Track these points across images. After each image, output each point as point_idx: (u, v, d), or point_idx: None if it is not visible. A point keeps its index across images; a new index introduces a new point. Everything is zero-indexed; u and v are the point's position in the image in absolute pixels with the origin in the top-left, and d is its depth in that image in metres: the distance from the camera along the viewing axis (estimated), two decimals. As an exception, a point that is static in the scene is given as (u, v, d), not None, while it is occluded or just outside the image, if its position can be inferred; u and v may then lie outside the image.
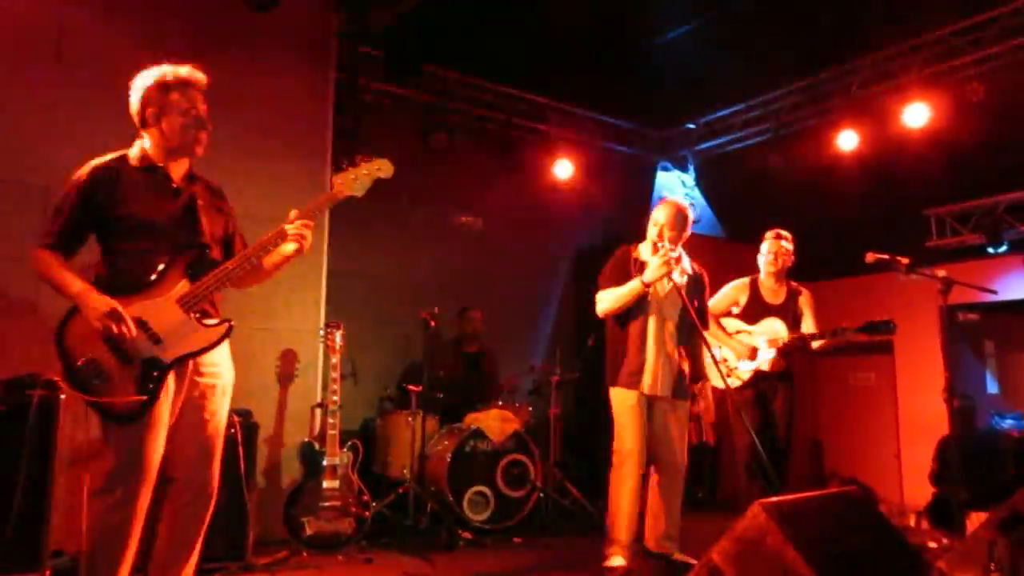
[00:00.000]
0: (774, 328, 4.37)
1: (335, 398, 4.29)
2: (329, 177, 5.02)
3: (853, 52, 6.27)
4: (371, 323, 5.76)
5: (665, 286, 3.83)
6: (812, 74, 6.58)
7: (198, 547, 2.77)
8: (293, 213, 2.73)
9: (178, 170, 2.74)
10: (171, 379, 2.58)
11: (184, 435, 2.68)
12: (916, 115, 5.84)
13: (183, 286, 2.60)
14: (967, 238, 6.26)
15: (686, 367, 3.96)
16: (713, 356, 3.78)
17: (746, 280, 4.57)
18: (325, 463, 4.21)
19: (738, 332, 4.46)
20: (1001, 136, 5.64)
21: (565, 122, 7.08)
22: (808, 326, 4.40)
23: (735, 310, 4.56)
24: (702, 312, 4.00)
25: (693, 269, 4.02)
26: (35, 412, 3.19)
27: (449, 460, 4.79)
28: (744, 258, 4.71)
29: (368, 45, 5.77)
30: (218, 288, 2.66)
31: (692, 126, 7.66)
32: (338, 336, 4.45)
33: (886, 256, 4.13)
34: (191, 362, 2.64)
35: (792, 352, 4.35)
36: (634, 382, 3.81)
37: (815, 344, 4.26)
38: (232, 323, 2.70)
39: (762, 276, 4.54)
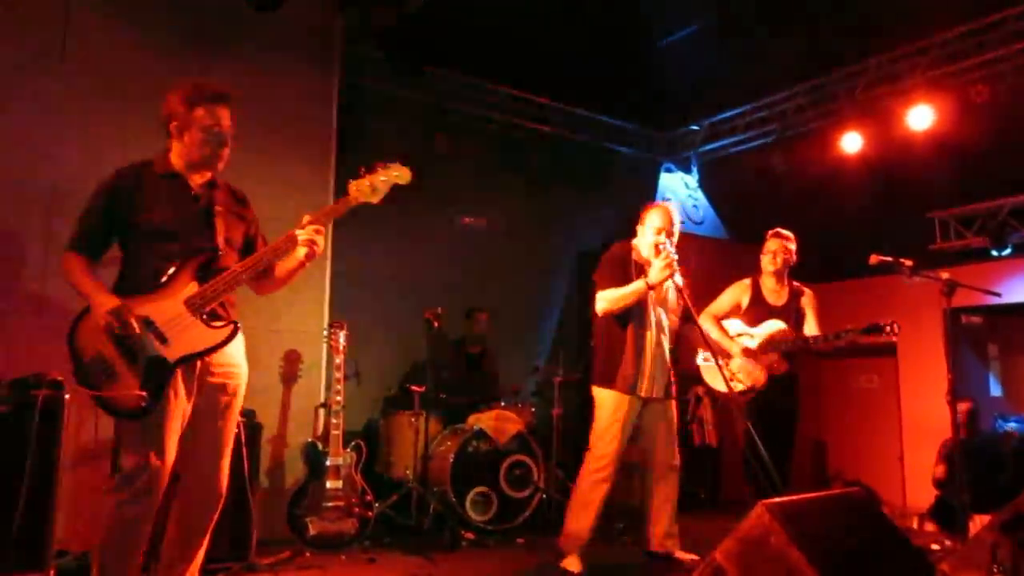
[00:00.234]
0: (778, 328, 4.35)
1: (339, 398, 4.30)
2: (332, 177, 5.04)
3: (858, 54, 6.26)
4: (374, 323, 5.76)
5: (662, 287, 3.83)
6: (816, 76, 6.57)
7: (204, 546, 2.80)
8: (306, 218, 2.75)
9: (200, 179, 2.79)
10: (181, 379, 2.61)
11: (194, 435, 2.71)
12: (921, 118, 5.83)
13: (192, 288, 2.64)
14: (971, 241, 6.25)
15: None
16: (716, 359, 3.78)
17: (747, 281, 4.56)
18: (328, 463, 4.22)
19: (740, 335, 4.45)
20: (1006, 139, 5.63)
21: (568, 123, 7.08)
22: (811, 327, 4.39)
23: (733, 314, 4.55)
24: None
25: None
26: (40, 412, 3.20)
27: (452, 461, 4.80)
28: (748, 260, 4.70)
29: (371, 46, 5.79)
30: (227, 291, 2.69)
31: (696, 128, 7.66)
32: (342, 336, 4.45)
33: (890, 258, 4.12)
34: (201, 363, 2.67)
35: (795, 354, 4.34)
36: (629, 386, 3.82)
37: (816, 344, 4.24)
38: (238, 324, 2.73)
39: (763, 276, 4.53)
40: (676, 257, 3.70)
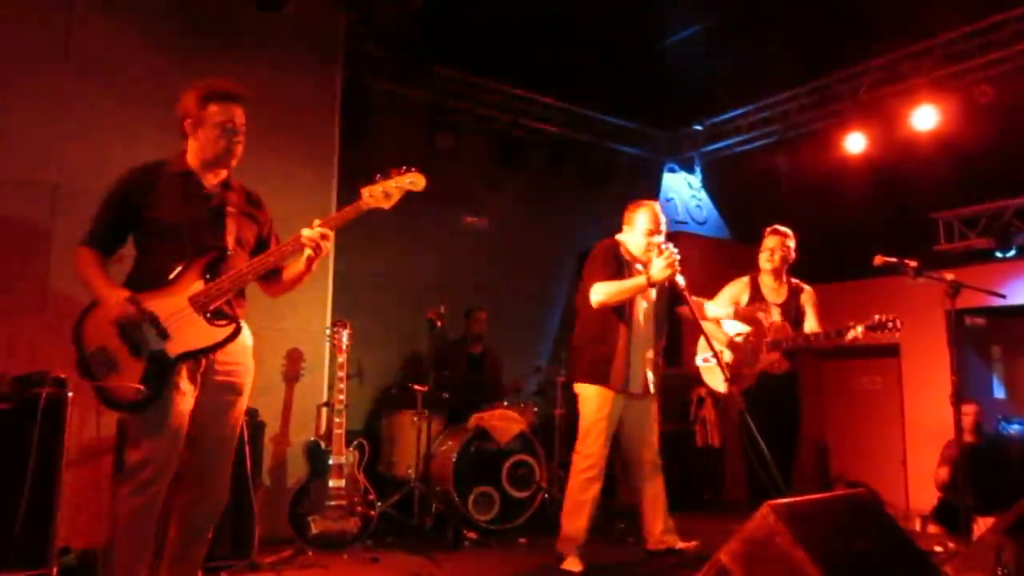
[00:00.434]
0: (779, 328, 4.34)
1: (341, 397, 4.30)
2: (335, 176, 5.04)
3: (862, 54, 6.25)
4: (376, 323, 5.76)
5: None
6: (820, 76, 6.57)
7: (207, 544, 2.81)
8: (316, 222, 2.77)
9: (213, 178, 2.82)
10: (185, 376, 2.62)
11: (199, 433, 2.73)
12: (925, 118, 5.83)
13: (198, 286, 2.66)
14: (975, 242, 6.24)
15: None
16: (718, 358, 3.77)
17: (746, 279, 4.53)
18: (331, 462, 4.21)
19: (738, 334, 4.44)
20: (1010, 140, 5.62)
21: (571, 123, 7.08)
22: (811, 325, 4.37)
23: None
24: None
25: None
26: (43, 409, 3.20)
27: (454, 460, 4.79)
28: (751, 260, 4.69)
29: (375, 45, 5.79)
30: (232, 289, 2.71)
31: (699, 127, 7.66)
32: (344, 335, 4.45)
33: (894, 259, 4.11)
34: (206, 361, 2.68)
35: (796, 353, 4.33)
36: (613, 382, 3.83)
37: (817, 341, 4.23)
38: (240, 324, 2.74)
39: (762, 274, 4.51)
40: (679, 257, 3.70)
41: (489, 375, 5.86)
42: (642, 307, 3.95)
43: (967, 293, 4.15)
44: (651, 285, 3.79)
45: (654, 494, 3.97)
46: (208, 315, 2.66)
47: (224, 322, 2.70)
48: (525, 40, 5.99)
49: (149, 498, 2.59)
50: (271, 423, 4.42)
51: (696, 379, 4.75)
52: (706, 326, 4.34)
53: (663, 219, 3.99)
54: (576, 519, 3.82)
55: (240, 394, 2.81)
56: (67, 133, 4.12)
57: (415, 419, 4.88)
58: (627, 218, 4.04)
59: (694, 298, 4.18)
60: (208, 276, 2.67)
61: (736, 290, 4.53)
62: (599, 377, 3.86)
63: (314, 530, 4.12)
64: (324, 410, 4.68)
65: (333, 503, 4.17)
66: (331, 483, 4.19)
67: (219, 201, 2.80)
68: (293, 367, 4.64)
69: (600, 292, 3.85)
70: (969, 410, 5.33)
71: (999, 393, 6.73)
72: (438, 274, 6.21)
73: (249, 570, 3.75)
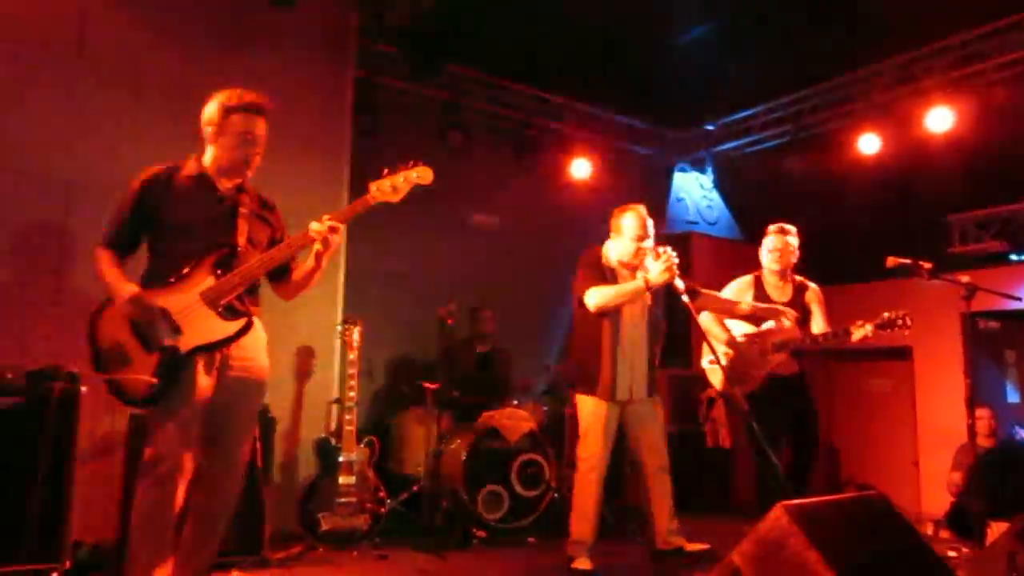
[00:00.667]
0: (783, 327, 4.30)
1: (352, 394, 4.31)
2: (347, 173, 5.05)
3: (875, 55, 6.21)
4: (386, 320, 5.76)
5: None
6: (833, 77, 6.53)
7: (220, 539, 2.83)
8: (325, 217, 2.79)
9: (228, 183, 2.86)
10: (200, 371, 2.64)
11: (214, 428, 2.75)
12: (939, 119, 5.78)
13: (208, 282, 2.70)
14: (989, 245, 6.18)
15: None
16: (719, 361, 3.75)
17: (749, 278, 4.49)
18: (341, 459, 4.23)
19: (744, 335, 4.40)
20: (1025, 141, 5.58)
21: (583, 122, 7.07)
22: (818, 324, 4.33)
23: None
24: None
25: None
26: (56, 404, 3.22)
27: (464, 458, 4.79)
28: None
29: (387, 43, 5.79)
30: (243, 284, 2.73)
31: (711, 127, 7.63)
32: (355, 333, 4.46)
33: (908, 261, 4.08)
34: (220, 356, 2.70)
35: (804, 354, 4.29)
36: (604, 390, 3.83)
37: (826, 341, 4.19)
38: (252, 319, 2.75)
39: (766, 273, 4.47)
40: (676, 261, 3.68)
41: (498, 374, 5.86)
42: (631, 313, 3.92)
43: (981, 296, 4.10)
44: (649, 288, 3.77)
45: (660, 495, 3.96)
46: (220, 310, 2.69)
47: (236, 317, 2.72)
48: (537, 38, 5.98)
49: (166, 494, 2.61)
50: (282, 419, 4.44)
51: (706, 380, 4.73)
52: (710, 327, 4.33)
53: (650, 223, 3.97)
54: (582, 521, 3.83)
55: (256, 389, 2.84)
56: (81, 129, 4.14)
57: (425, 417, 4.88)
58: (613, 224, 4.02)
59: (707, 291, 4.18)
60: (219, 272, 2.70)
61: (739, 289, 4.49)
62: (588, 386, 3.88)
63: (324, 527, 4.13)
64: (335, 407, 4.69)
65: (343, 500, 4.18)
66: (341, 480, 4.21)
67: (232, 202, 2.84)
68: (304, 364, 4.66)
69: (596, 297, 3.83)
70: (983, 414, 5.29)
71: (1013, 398, 6.67)
72: (449, 272, 6.21)
73: (259, 566, 3.76)
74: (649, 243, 3.85)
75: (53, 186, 4.06)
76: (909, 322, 3.85)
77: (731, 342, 4.40)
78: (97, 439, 3.82)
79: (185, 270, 2.68)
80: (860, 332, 3.97)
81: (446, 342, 5.12)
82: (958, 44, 5.79)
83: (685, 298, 3.65)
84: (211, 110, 2.79)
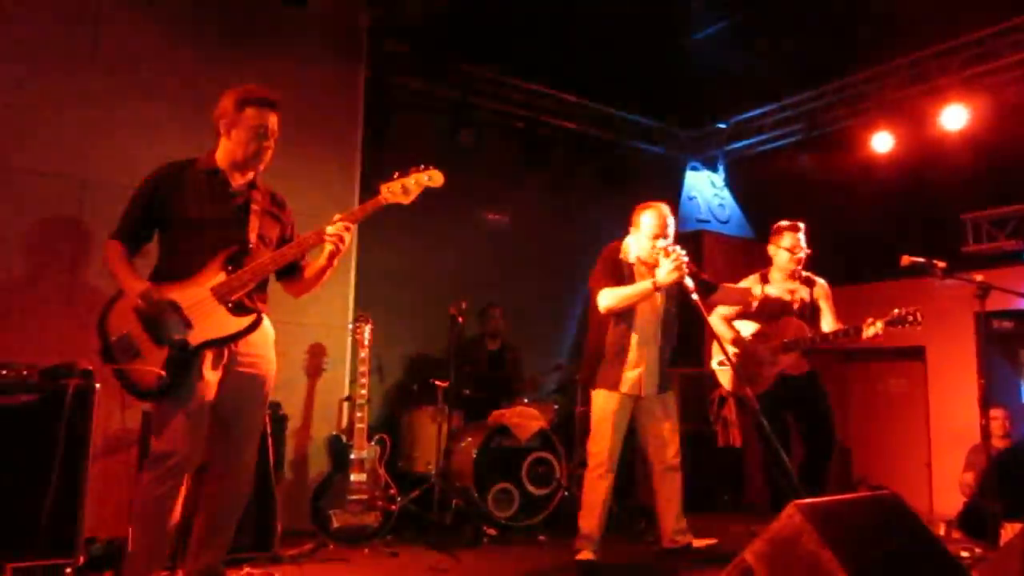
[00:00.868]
0: (795, 327, 4.27)
1: (363, 392, 4.32)
2: (358, 172, 5.07)
3: (889, 53, 6.17)
4: (397, 318, 5.78)
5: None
6: (846, 75, 6.49)
7: (231, 535, 2.84)
8: (336, 217, 2.81)
9: (240, 178, 2.88)
10: (209, 366, 2.66)
11: (222, 424, 2.77)
12: (953, 117, 5.74)
13: (220, 277, 2.72)
14: (1004, 244, 6.12)
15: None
16: (731, 361, 3.73)
17: (756, 277, 4.47)
18: (352, 456, 4.24)
19: (753, 335, 4.38)
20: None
21: (593, 120, 7.05)
22: (827, 322, 4.29)
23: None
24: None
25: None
26: (71, 401, 3.24)
27: (474, 456, 4.79)
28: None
29: (398, 42, 5.80)
30: (253, 281, 2.75)
31: (723, 126, 7.60)
32: (367, 330, 4.48)
33: (922, 260, 4.05)
34: (228, 352, 2.72)
35: (813, 352, 4.26)
36: (617, 385, 3.82)
37: (836, 339, 4.16)
38: (261, 315, 2.78)
39: (773, 271, 4.44)
40: (686, 260, 3.66)
41: (508, 372, 5.86)
42: (647, 310, 3.91)
43: (995, 295, 4.07)
44: (657, 289, 3.74)
45: (669, 493, 3.95)
46: (229, 306, 2.71)
47: (245, 313, 2.74)
48: (549, 37, 5.97)
49: (170, 488, 2.63)
50: (293, 417, 4.46)
51: (717, 380, 4.71)
52: (719, 328, 4.31)
53: (671, 221, 3.92)
54: (588, 517, 3.83)
55: (263, 385, 2.85)
56: (94, 128, 4.17)
57: (435, 415, 4.89)
58: (634, 220, 4.00)
59: (726, 285, 4.16)
60: (230, 268, 2.73)
61: (746, 288, 4.47)
62: (602, 381, 3.86)
63: (335, 524, 4.14)
64: (346, 405, 4.71)
65: (354, 497, 4.20)
66: (352, 477, 4.22)
67: (244, 199, 2.86)
68: (315, 361, 4.67)
69: (607, 298, 3.83)
70: (998, 414, 5.25)
71: (1027, 398, 6.62)
72: (460, 270, 6.22)
73: (271, 563, 3.77)
74: (663, 242, 3.82)
75: (67, 185, 4.09)
76: (920, 317, 3.83)
77: (740, 342, 4.38)
78: (110, 436, 3.85)
79: (196, 266, 2.71)
80: (871, 330, 3.94)
81: (457, 340, 5.12)
82: (973, 42, 5.75)
83: (695, 297, 3.63)
84: (225, 104, 2.82)
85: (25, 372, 3.29)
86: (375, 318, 4.60)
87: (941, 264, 4.03)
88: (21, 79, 4.02)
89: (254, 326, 2.76)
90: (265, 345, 2.87)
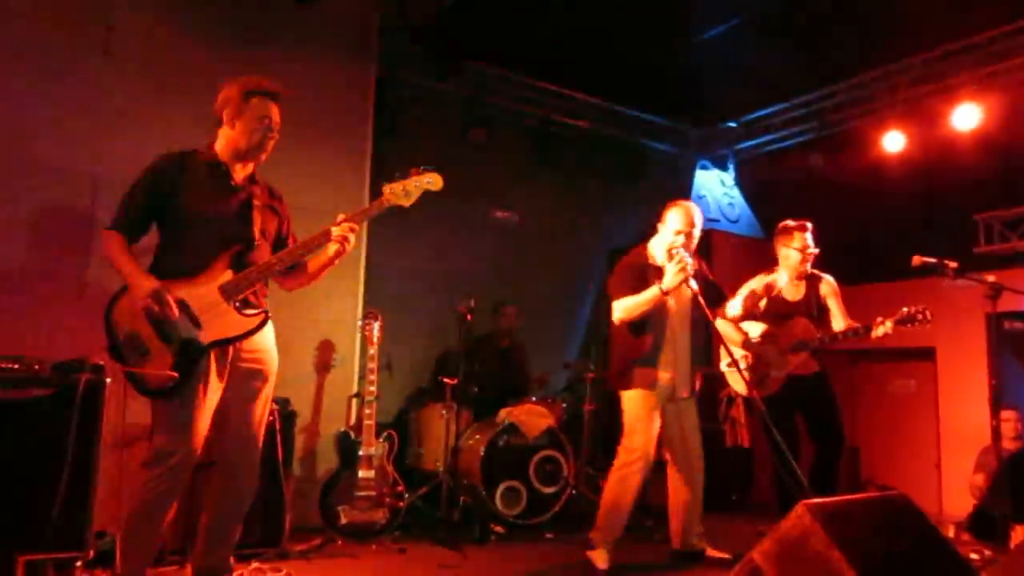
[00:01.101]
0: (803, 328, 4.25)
1: (372, 389, 4.33)
2: (368, 170, 5.08)
3: (901, 52, 6.13)
4: (406, 315, 5.79)
5: (681, 289, 3.80)
6: (858, 74, 6.45)
7: (239, 531, 2.85)
8: (341, 217, 2.81)
9: (241, 171, 2.87)
10: (213, 364, 2.66)
11: (227, 420, 2.77)
12: (966, 117, 5.70)
13: (227, 275, 2.72)
14: (1016, 244, 6.08)
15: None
16: (736, 362, 3.72)
17: (763, 278, 4.46)
18: (361, 453, 4.25)
19: (762, 335, 4.36)
20: (1055, 139, 5.49)
21: (604, 119, 7.04)
22: (837, 320, 4.27)
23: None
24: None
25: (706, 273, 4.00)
26: (82, 395, 3.25)
27: (482, 454, 4.80)
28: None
29: (408, 40, 5.81)
30: (260, 280, 2.76)
31: (733, 125, 7.58)
32: (376, 327, 4.49)
33: (933, 260, 4.03)
34: (232, 349, 2.72)
35: (823, 352, 4.24)
36: (648, 383, 3.79)
37: (845, 338, 4.14)
38: (269, 313, 2.78)
39: (781, 272, 4.40)
40: (690, 261, 3.64)
41: (517, 370, 5.86)
42: (674, 308, 3.88)
43: (1007, 296, 4.05)
44: (665, 294, 3.72)
45: (692, 496, 3.93)
46: (236, 304, 2.71)
47: (253, 311, 2.76)
48: (558, 35, 5.97)
49: (172, 486, 2.64)
50: (302, 413, 4.47)
51: (725, 380, 4.70)
52: (726, 329, 4.29)
53: (699, 221, 3.88)
54: (613, 513, 3.79)
55: (267, 380, 2.86)
56: (107, 124, 4.19)
57: (444, 412, 4.90)
58: (662, 218, 3.97)
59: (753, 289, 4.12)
60: (236, 266, 2.73)
61: (755, 288, 4.45)
62: (635, 382, 3.82)
63: (343, 520, 4.15)
64: (354, 401, 4.72)
65: (362, 494, 4.21)
66: (360, 474, 4.23)
67: (247, 194, 2.86)
68: (324, 358, 4.68)
69: (619, 310, 3.81)
70: (1009, 416, 5.21)
71: (1038, 400, 6.57)
72: (469, 268, 6.23)
73: (279, 558, 3.79)
74: (680, 239, 3.80)
75: (79, 181, 4.11)
76: (929, 316, 3.81)
77: (748, 344, 4.36)
78: (121, 430, 3.86)
79: (203, 262, 2.70)
80: (881, 329, 3.93)
81: (465, 337, 5.12)
82: (986, 41, 5.70)
83: (701, 300, 3.63)
84: (230, 93, 2.81)
85: (37, 367, 3.31)
86: (384, 315, 4.61)
87: (953, 264, 4.00)
88: (35, 76, 4.05)
89: (262, 325, 2.76)
90: (267, 340, 2.88)
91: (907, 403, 6.89)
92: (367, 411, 4.30)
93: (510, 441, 4.95)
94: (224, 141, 2.84)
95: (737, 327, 4.38)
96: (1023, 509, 4.31)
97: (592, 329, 6.97)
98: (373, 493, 4.23)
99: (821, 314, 4.32)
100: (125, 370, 2.64)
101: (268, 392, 2.90)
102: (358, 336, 4.81)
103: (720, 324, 4.23)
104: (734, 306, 4.43)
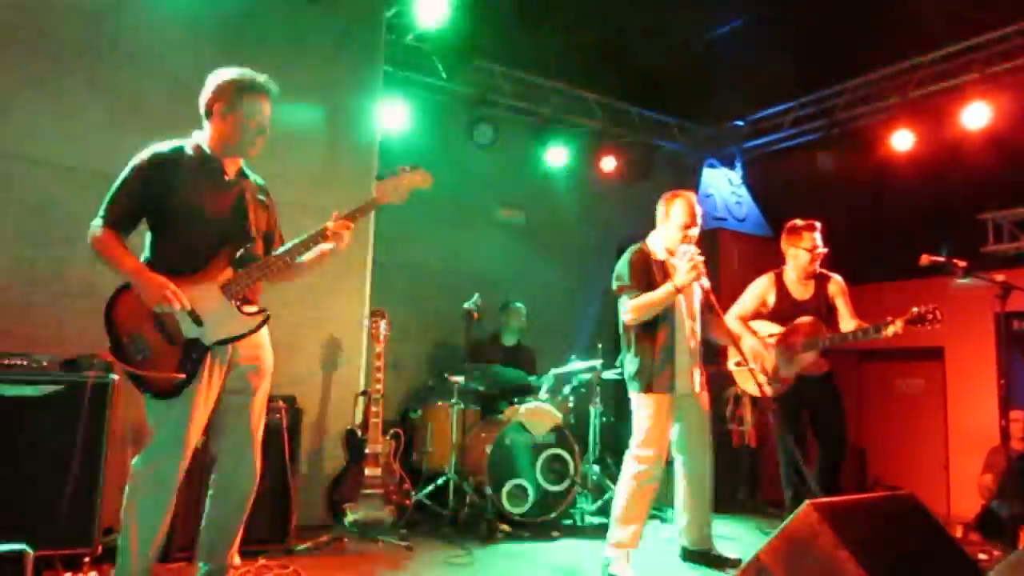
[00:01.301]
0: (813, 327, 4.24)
1: (378, 386, 4.33)
2: (376, 167, 5.07)
3: (911, 50, 6.10)
4: (413, 314, 5.79)
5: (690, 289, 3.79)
6: (867, 72, 6.43)
7: (242, 526, 2.85)
8: (335, 215, 2.81)
9: (232, 165, 2.84)
10: (212, 363, 2.65)
11: (227, 417, 2.77)
12: (975, 116, 5.67)
13: (227, 274, 2.70)
14: (1025, 244, 6.07)
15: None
16: (746, 361, 3.70)
17: (771, 277, 4.42)
18: (367, 451, 4.26)
19: (771, 335, 4.35)
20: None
21: (611, 117, 7.03)
22: (845, 320, 4.25)
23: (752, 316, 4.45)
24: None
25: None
26: (91, 392, 3.27)
27: (489, 452, 4.80)
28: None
29: (416, 38, 5.81)
30: (259, 279, 2.74)
31: (741, 123, 7.56)
32: (382, 325, 4.49)
33: (942, 259, 4.00)
34: (231, 347, 2.72)
35: (831, 352, 4.23)
36: (665, 386, 3.73)
37: (855, 338, 4.12)
38: (268, 312, 2.79)
39: (786, 270, 4.40)
40: (702, 259, 3.62)
41: (524, 368, 5.86)
42: (683, 306, 3.85)
43: (1016, 296, 4.03)
44: (678, 291, 3.69)
45: (704, 490, 3.90)
46: (238, 303, 2.71)
47: (254, 310, 2.75)
48: (565, 33, 5.96)
49: (166, 486, 2.63)
50: (309, 411, 4.48)
51: (731, 377, 4.69)
52: (737, 329, 4.28)
53: (699, 210, 3.86)
54: (629, 524, 3.71)
55: (264, 377, 2.85)
56: (117, 123, 4.20)
57: (450, 410, 4.90)
58: (660, 210, 3.93)
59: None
60: (236, 264, 2.71)
61: (761, 289, 4.43)
62: (646, 382, 3.76)
63: (350, 517, 4.16)
64: (361, 399, 4.72)
65: (369, 491, 4.22)
66: (367, 471, 4.24)
67: (239, 189, 2.83)
68: (331, 356, 4.69)
69: (631, 309, 3.74)
70: (1018, 416, 5.19)
71: (1047, 400, 6.53)
72: (475, 266, 6.23)
73: (286, 555, 3.80)
74: (695, 231, 3.78)
75: (92, 180, 4.11)
76: (940, 316, 3.78)
77: (758, 344, 4.34)
78: (128, 427, 3.88)
79: (200, 260, 2.67)
80: (891, 329, 3.90)
81: (472, 336, 5.12)
82: (995, 39, 5.67)
83: (712, 297, 3.61)
84: (222, 88, 2.75)
85: (46, 363, 3.34)
86: (391, 313, 4.62)
87: (961, 264, 3.98)
88: (44, 75, 4.06)
89: (264, 324, 2.76)
90: (263, 336, 2.86)
91: (915, 403, 6.87)
92: (374, 409, 4.30)
93: (516, 439, 4.94)
94: (214, 135, 2.78)
95: (746, 325, 4.36)
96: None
97: (599, 327, 6.95)
98: (380, 491, 4.24)
99: (829, 314, 4.29)
100: (129, 372, 2.59)
101: (266, 389, 2.88)
102: (365, 334, 4.81)
103: (729, 321, 4.22)
104: (742, 304, 4.43)
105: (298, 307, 4.55)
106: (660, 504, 4.77)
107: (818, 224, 4.37)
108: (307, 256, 2.86)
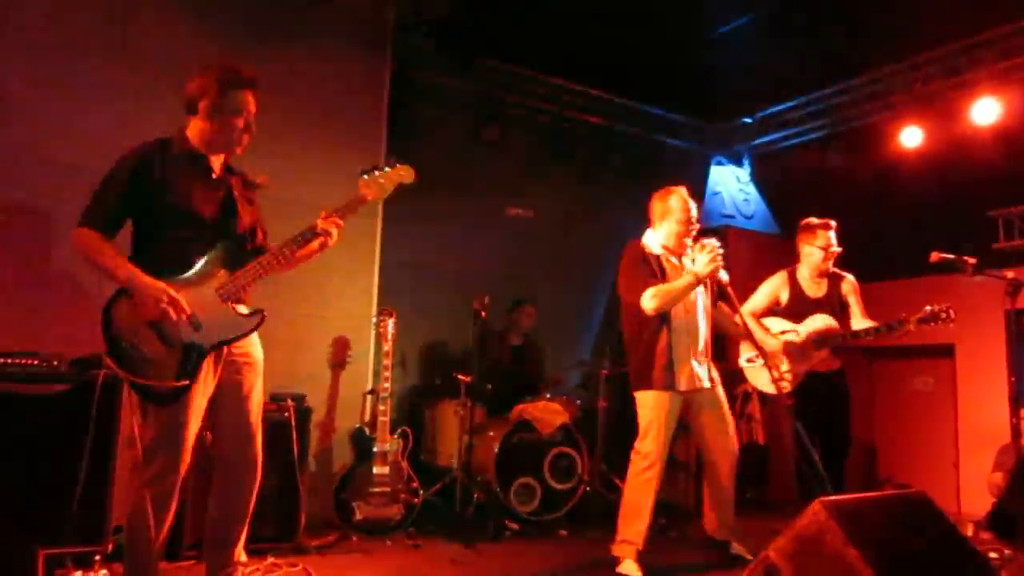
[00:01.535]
0: (825, 323, 4.23)
1: (386, 385, 4.34)
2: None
3: (918, 46, 6.07)
4: (420, 312, 5.79)
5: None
6: (875, 68, 6.39)
7: (247, 524, 2.85)
8: (323, 212, 2.81)
9: (217, 162, 2.81)
10: (210, 365, 2.66)
11: (225, 414, 2.76)
12: (985, 112, 5.64)
13: (222, 276, 2.69)
14: (1035, 240, 6.02)
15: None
16: (764, 355, 3.69)
17: (784, 274, 4.42)
18: (375, 449, 4.27)
19: (783, 332, 4.34)
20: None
21: (618, 115, 7.02)
22: (857, 319, 4.24)
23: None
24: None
25: None
26: (100, 391, 3.28)
27: (496, 451, 4.81)
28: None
29: (422, 36, 5.81)
30: (255, 279, 2.73)
31: (748, 120, 7.52)
32: (390, 324, 4.50)
33: (952, 256, 3.98)
34: (225, 348, 2.72)
35: (841, 349, 4.21)
36: (666, 383, 3.74)
37: (868, 336, 4.11)
38: (265, 313, 2.78)
39: (800, 267, 4.38)
40: (721, 251, 3.62)
41: (531, 366, 5.86)
42: (691, 301, 3.85)
43: (1025, 293, 4.00)
44: (699, 282, 3.69)
45: (729, 482, 3.91)
46: (233, 304, 2.70)
47: (248, 310, 2.75)
48: (572, 31, 5.95)
49: (166, 487, 2.62)
50: (317, 410, 4.49)
51: (741, 375, 4.68)
52: (750, 324, 4.27)
53: (692, 205, 3.89)
54: (634, 521, 3.72)
55: (258, 374, 2.85)
56: (122, 122, 4.20)
57: (458, 409, 4.91)
58: (656, 208, 3.94)
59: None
60: (229, 265, 2.69)
61: (775, 288, 4.42)
62: (645, 381, 3.78)
63: (358, 515, 4.17)
64: (369, 398, 4.73)
65: (377, 489, 4.23)
66: (375, 470, 4.25)
67: (227, 187, 2.80)
68: (339, 354, 4.70)
69: (653, 299, 3.70)
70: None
71: (1057, 397, 6.48)
72: (482, 265, 6.22)
73: (294, 553, 3.81)
74: (696, 225, 3.79)
75: (94, 178, 4.13)
76: (952, 314, 3.77)
77: (768, 340, 4.33)
78: (138, 426, 3.89)
79: (191, 261, 2.65)
80: (903, 328, 3.90)
81: (480, 334, 5.13)
82: (1004, 35, 5.63)
83: (730, 290, 3.60)
84: (206, 83, 2.70)
85: (56, 362, 3.35)
86: (399, 312, 4.63)
87: (971, 260, 3.96)
88: (54, 75, 4.08)
89: (259, 325, 2.75)
90: (253, 336, 2.85)
91: (925, 401, 6.83)
92: (382, 407, 4.31)
93: (524, 438, 4.95)
94: (199, 132, 2.73)
95: (758, 321, 4.36)
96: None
97: (607, 326, 6.95)
98: (388, 489, 4.25)
99: (842, 312, 4.29)
100: (130, 381, 2.55)
101: (260, 385, 2.87)
102: (373, 333, 4.82)
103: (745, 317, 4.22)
104: (754, 301, 4.42)
105: (306, 306, 4.57)
106: (667, 503, 4.76)
107: (833, 223, 4.36)
108: (298, 253, 2.85)
